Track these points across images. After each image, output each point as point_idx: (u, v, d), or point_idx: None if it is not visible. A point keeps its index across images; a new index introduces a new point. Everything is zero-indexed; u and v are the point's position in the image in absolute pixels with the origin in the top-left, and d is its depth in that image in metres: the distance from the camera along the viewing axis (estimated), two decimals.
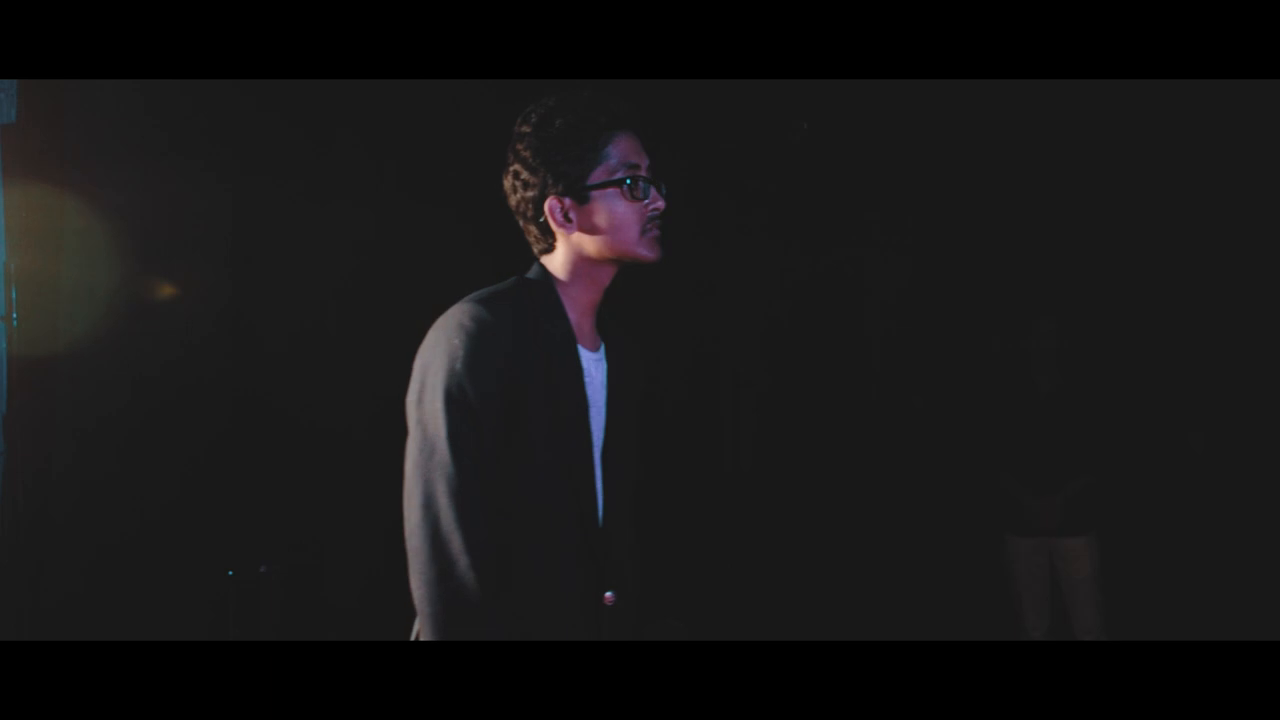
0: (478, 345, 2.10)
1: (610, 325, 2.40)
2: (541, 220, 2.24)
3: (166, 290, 4.30)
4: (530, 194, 2.23)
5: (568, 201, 2.21)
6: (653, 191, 2.23)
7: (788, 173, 5.26)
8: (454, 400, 2.07)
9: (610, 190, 2.20)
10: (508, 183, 2.28)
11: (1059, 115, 5.09)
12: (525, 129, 2.25)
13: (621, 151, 2.22)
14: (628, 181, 2.20)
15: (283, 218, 4.56)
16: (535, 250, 2.30)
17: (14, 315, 3.79)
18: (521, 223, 2.29)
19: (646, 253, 2.23)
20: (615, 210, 2.20)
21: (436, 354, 2.13)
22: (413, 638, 2.17)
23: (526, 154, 2.23)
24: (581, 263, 2.25)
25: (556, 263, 2.27)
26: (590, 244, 2.22)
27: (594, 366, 2.27)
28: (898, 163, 5.39)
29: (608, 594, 2.19)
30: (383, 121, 4.70)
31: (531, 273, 2.28)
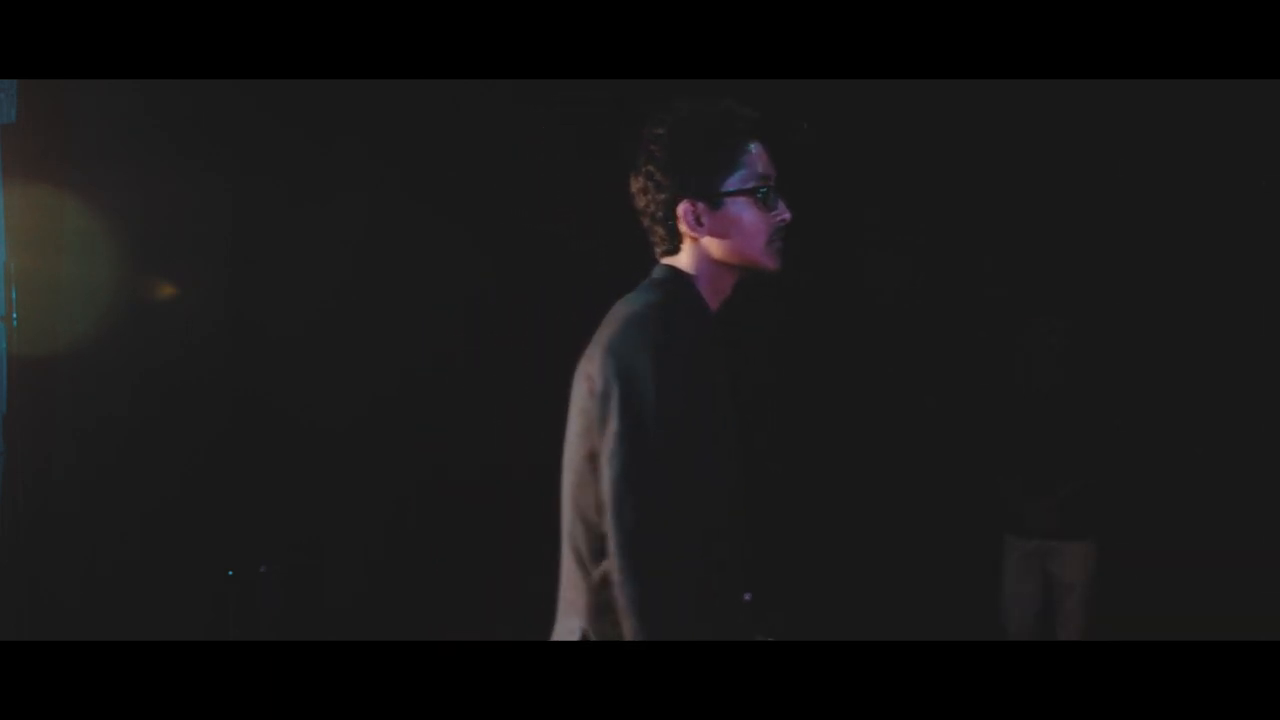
0: (674, 337, 2.11)
1: None
2: (671, 222, 2.25)
3: (166, 290, 4.31)
4: (663, 195, 2.24)
5: (700, 206, 2.22)
6: (780, 203, 2.27)
7: (788, 173, 5.24)
8: (668, 388, 2.06)
9: (743, 198, 2.23)
10: (638, 183, 2.28)
11: (1061, 115, 5.07)
12: (660, 131, 2.26)
13: (756, 161, 2.25)
14: (761, 192, 2.24)
15: (283, 218, 4.56)
16: (658, 251, 2.31)
17: (14, 315, 3.79)
18: (647, 223, 2.30)
19: (770, 262, 2.27)
20: (746, 218, 2.24)
21: (637, 346, 2.09)
22: (579, 635, 2.14)
23: (662, 155, 2.24)
24: (707, 266, 2.27)
25: (682, 265, 2.28)
26: (717, 248, 2.25)
27: None
28: (899, 162, 5.38)
29: (746, 594, 2.21)
30: (383, 121, 4.70)
31: (660, 274, 2.29)
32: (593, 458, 2.11)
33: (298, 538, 4.53)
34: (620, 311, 2.19)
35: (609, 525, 2.04)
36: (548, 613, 4.66)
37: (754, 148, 2.26)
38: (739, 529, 2.19)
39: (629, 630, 2.00)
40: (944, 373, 5.42)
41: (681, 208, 2.23)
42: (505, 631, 4.07)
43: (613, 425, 2.06)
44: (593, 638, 2.11)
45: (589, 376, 2.14)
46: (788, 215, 2.27)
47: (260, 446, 4.51)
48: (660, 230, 2.27)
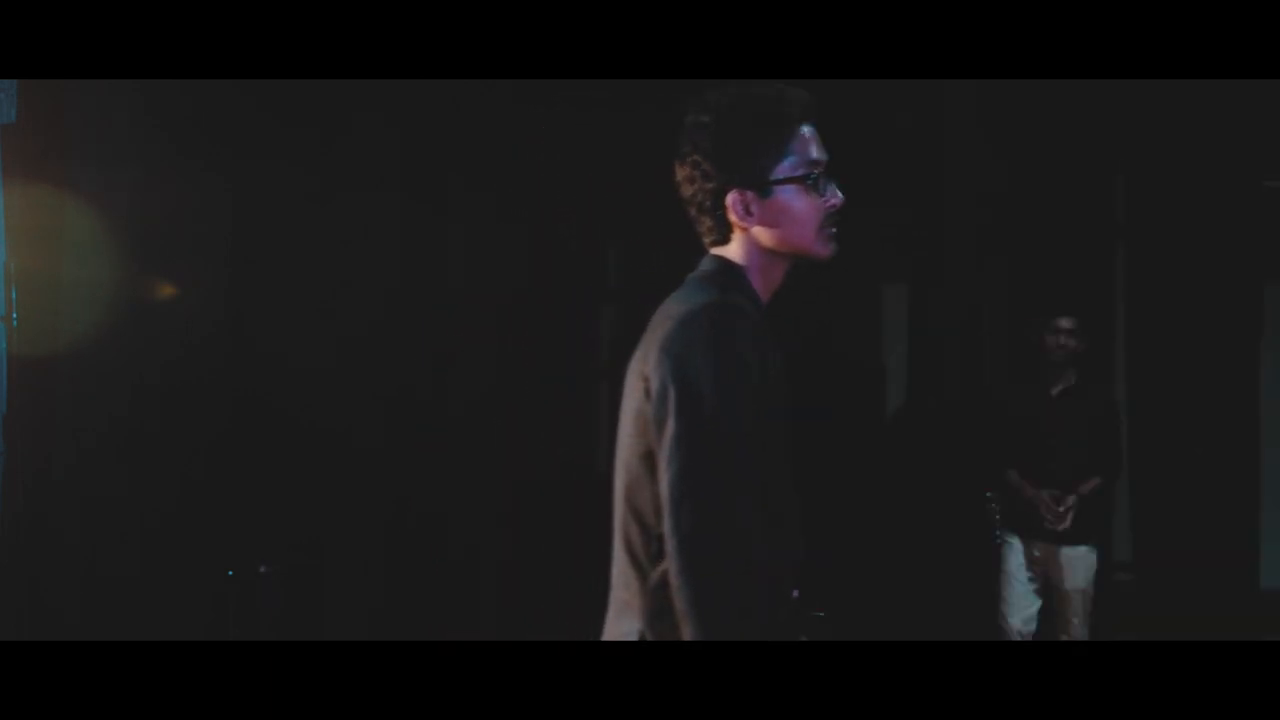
0: (730, 336, 2.06)
1: None
2: (719, 212, 2.19)
3: (166, 290, 4.30)
4: (711, 185, 2.17)
5: (750, 195, 2.15)
6: (831, 188, 2.19)
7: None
8: (726, 390, 2.02)
9: (793, 186, 2.16)
10: (684, 172, 2.21)
11: (1061, 115, 5.07)
12: (705, 118, 2.18)
13: (805, 147, 2.17)
14: (811, 178, 2.17)
15: (283, 218, 4.56)
16: (707, 241, 2.24)
17: (14, 315, 3.79)
18: (694, 213, 2.23)
19: (822, 250, 2.20)
20: (796, 206, 2.17)
21: (694, 347, 2.05)
22: (636, 637, 2.09)
23: (708, 144, 2.16)
24: (758, 256, 2.20)
25: (732, 256, 2.22)
26: (768, 238, 2.18)
27: None
28: (902, 161, 5.37)
29: (794, 591, 2.20)
30: (383, 121, 4.70)
31: (709, 266, 2.22)
32: (648, 458, 2.08)
33: (298, 538, 4.53)
34: (674, 310, 2.13)
35: (667, 527, 2.01)
36: (548, 612, 4.66)
37: (804, 131, 2.18)
38: (791, 525, 2.18)
39: (689, 633, 1.98)
40: (944, 372, 5.40)
41: (730, 197, 2.16)
42: (505, 631, 4.08)
43: (671, 427, 2.03)
44: (650, 639, 2.07)
45: (644, 376, 2.10)
46: (839, 200, 2.19)
47: (260, 447, 4.51)
48: (708, 220, 2.20)
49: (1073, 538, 4.64)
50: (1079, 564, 4.66)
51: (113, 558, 4.05)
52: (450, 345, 4.83)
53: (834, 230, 2.20)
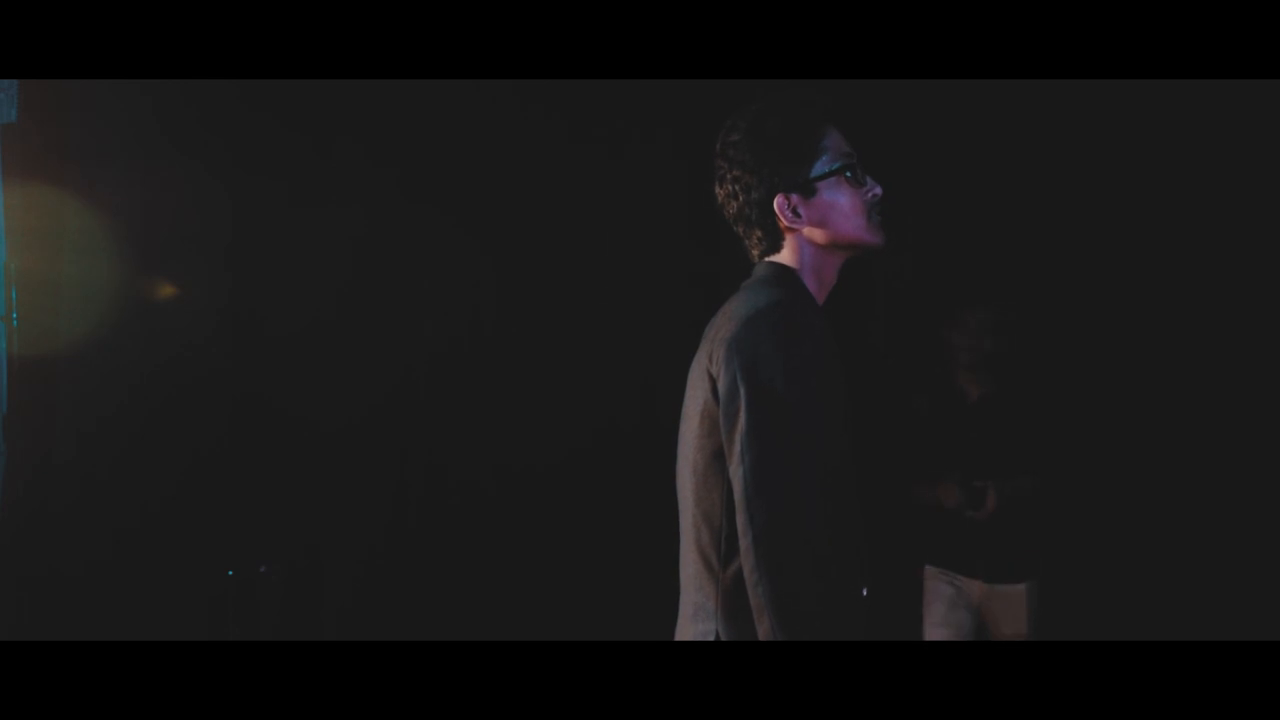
0: (797, 333, 2.11)
1: None
2: (769, 221, 2.26)
3: (166, 290, 4.31)
4: (755, 196, 2.25)
5: (795, 198, 2.23)
6: (869, 179, 2.28)
7: None
8: (796, 385, 2.06)
9: (833, 180, 2.24)
10: (724, 191, 2.29)
11: (1060, 113, 5.07)
12: (735, 137, 2.27)
13: (836, 143, 2.27)
14: (849, 169, 2.25)
15: (283, 218, 4.56)
16: (756, 253, 2.31)
17: (14, 315, 3.79)
18: (742, 229, 2.30)
19: (873, 238, 2.27)
20: (842, 200, 2.24)
21: (763, 343, 2.09)
22: (713, 638, 2.12)
23: (744, 158, 2.25)
24: (811, 256, 2.27)
25: (784, 260, 2.28)
26: (820, 235, 2.25)
27: None
28: (898, 160, 5.36)
29: (864, 589, 2.21)
30: (382, 122, 4.70)
31: (765, 270, 2.28)
32: (719, 457, 2.12)
33: (298, 538, 4.53)
34: (738, 310, 2.18)
35: (741, 524, 2.04)
36: (549, 612, 4.65)
37: (832, 130, 2.27)
38: (858, 522, 2.19)
39: (765, 630, 2.00)
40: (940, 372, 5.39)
41: (777, 202, 2.23)
42: (505, 631, 4.07)
43: (742, 423, 2.06)
44: (724, 639, 2.09)
45: (710, 376, 2.14)
46: (879, 189, 2.27)
47: (260, 446, 4.51)
48: (758, 232, 2.27)
49: (1006, 574, 4.06)
50: (1014, 607, 4.06)
51: (113, 558, 4.05)
52: (449, 345, 4.83)
53: (879, 219, 2.27)
